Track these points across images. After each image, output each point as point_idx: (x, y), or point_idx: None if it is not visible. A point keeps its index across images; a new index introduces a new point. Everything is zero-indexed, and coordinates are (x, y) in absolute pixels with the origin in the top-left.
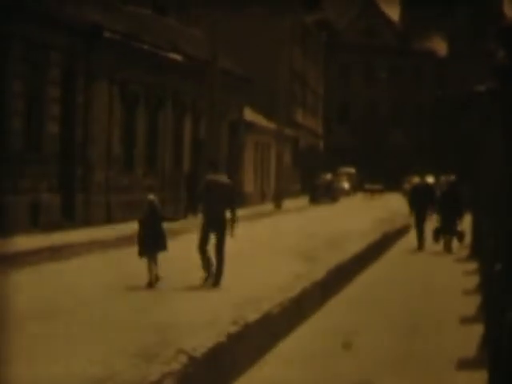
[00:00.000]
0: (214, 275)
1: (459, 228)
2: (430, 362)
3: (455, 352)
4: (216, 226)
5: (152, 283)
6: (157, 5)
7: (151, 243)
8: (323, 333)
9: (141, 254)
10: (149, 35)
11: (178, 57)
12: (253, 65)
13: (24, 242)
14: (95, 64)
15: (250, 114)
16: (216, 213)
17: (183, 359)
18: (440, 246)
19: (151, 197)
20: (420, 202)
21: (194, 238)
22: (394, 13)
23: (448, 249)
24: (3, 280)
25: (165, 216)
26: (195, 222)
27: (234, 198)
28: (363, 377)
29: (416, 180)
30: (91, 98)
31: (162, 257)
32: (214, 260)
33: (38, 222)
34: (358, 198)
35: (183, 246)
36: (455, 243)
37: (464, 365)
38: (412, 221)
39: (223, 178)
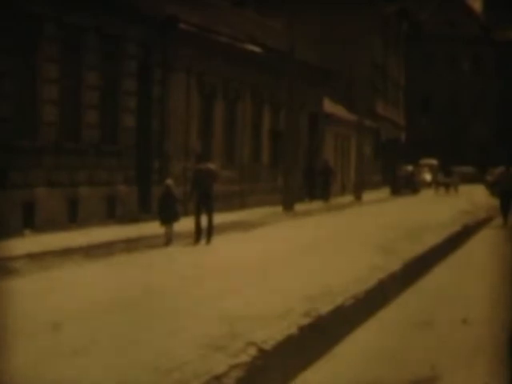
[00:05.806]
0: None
1: None
2: (501, 353)
3: None
4: (205, 201)
5: (168, 243)
6: None
7: (167, 216)
8: (396, 326)
9: (161, 223)
10: (226, 27)
11: (256, 49)
12: (333, 56)
13: (99, 234)
14: (171, 56)
15: (329, 106)
16: (204, 190)
17: (253, 351)
18: None
19: (168, 181)
20: None
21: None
22: (476, 3)
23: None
24: (76, 271)
25: (178, 198)
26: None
27: (216, 179)
28: (432, 372)
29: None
30: (168, 90)
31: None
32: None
33: (114, 214)
34: (431, 194)
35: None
36: None
37: None
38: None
39: (209, 165)
